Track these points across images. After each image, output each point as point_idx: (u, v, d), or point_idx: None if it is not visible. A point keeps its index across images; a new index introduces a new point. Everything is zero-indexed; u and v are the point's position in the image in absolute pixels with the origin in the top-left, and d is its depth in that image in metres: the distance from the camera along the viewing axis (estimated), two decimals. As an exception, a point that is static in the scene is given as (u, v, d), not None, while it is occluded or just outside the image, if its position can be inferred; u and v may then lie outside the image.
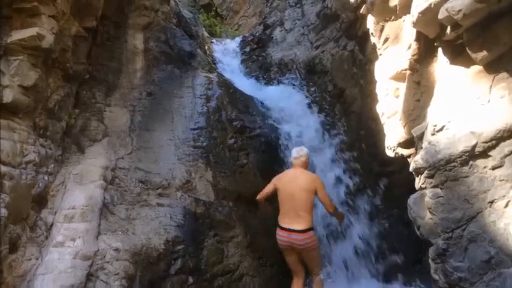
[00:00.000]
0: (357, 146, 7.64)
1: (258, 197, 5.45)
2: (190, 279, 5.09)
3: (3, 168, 3.92)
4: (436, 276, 3.15)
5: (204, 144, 6.79)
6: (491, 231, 2.85)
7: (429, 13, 3.11)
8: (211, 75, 8.33)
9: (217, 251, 5.77)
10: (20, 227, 4.11)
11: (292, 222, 4.93)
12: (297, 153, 5.40)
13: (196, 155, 6.53)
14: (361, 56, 7.74)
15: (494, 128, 2.87)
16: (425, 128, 3.34)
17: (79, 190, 4.72)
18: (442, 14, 2.93)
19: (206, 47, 10.70)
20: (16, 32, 4.43)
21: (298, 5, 10.88)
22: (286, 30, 10.83)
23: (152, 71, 7.55)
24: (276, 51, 10.68)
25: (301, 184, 5.02)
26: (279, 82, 9.55)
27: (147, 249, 4.78)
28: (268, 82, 9.77)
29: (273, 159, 7.33)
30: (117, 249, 4.42)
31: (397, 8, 4.03)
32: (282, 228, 5.01)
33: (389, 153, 4.20)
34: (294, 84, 9.15)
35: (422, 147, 3.28)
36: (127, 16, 7.56)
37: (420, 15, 3.19)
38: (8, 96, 4.27)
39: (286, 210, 5.04)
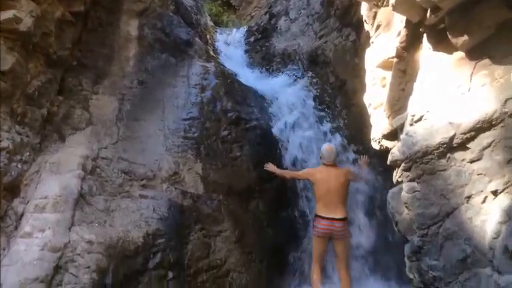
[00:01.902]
0: (358, 140, 7.44)
1: (288, 175, 6.23)
2: (170, 274, 4.99)
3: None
4: (411, 275, 3.01)
5: (196, 135, 6.68)
6: (467, 229, 2.69)
7: (408, -5, 2.95)
8: (208, 65, 8.21)
9: (203, 246, 5.67)
10: (-12, 216, 4.06)
11: (333, 212, 5.47)
12: (329, 155, 5.84)
13: (185, 146, 6.43)
14: (362, 45, 7.53)
15: (474, 119, 2.70)
16: (405, 119, 3.17)
17: (54, 179, 4.65)
18: (420, -5, 2.77)
19: (208, 36, 10.58)
20: (-7, 15, 4.36)
21: (304, -6, 10.70)
22: (291, 19, 10.67)
23: (146, 58, 7.45)
24: (280, 41, 10.53)
25: (339, 180, 5.63)
26: (281, 73, 9.37)
27: (124, 242, 4.69)
28: (271, 73, 9.59)
29: (268, 153, 7.17)
30: (90, 242, 4.34)
31: (388, -8, 3.86)
32: (324, 218, 5.49)
33: (375, 145, 4.05)
34: (296, 76, 8.96)
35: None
36: (121, 1, 7.48)
37: (399, -4, 3.03)
38: (-18, 81, 4.21)
39: (326, 202, 5.56)
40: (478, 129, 2.69)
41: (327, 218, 5.49)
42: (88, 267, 4.14)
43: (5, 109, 4.68)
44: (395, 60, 3.70)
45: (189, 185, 6.06)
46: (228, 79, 8.16)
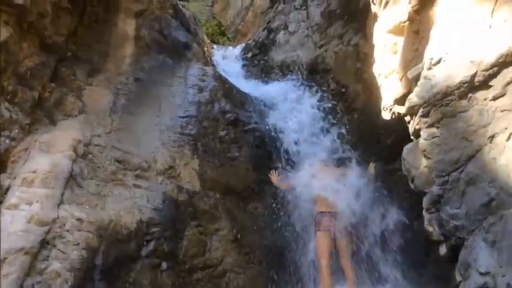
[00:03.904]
0: (360, 144, 7.37)
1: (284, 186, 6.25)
2: (164, 265, 4.81)
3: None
4: (430, 228, 2.87)
5: (193, 132, 6.58)
6: (491, 170, 2.57)
7: None
8: (206, 68, 8.21)
9: (199, 243, 5.50)
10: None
11: (334, 206, 5.66)
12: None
13: (182, 141, 6.32)
14: (365, 49, 7.58)
15: (496, 54, 2.63)
16: (422, 68, 3.11)
17: (44, 157, 4.50)
18: None
19: (205, 49, 10.64)
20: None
21: (304, 7, 10.83)
22: (290, 32, 10.75)
23: (142, 58, 7.43)
24: (279, 53, 10.58)
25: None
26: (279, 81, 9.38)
27: (116, 225, 4.52)
28: (268, 82, 9.60)
29: (267, 156, 7.08)
30: (80, 220, 4.16)
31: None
32: (326, 212, 5.63)
33: (386, 115, 3.96)
34: (294, 84, 8.95)
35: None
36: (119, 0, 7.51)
37: None
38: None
39: (325, 200, 5.74)
40: (501, 64, 2.63)
41: (329, 212, 5.60)
42: (77, 244, 3.97)
43: (-5, 84, 4.58)
44: (407, 23, 3.66)
45: (185, 180, 5.92)
46: (226, 84, 8.13)
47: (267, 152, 7.12)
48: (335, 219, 5.54)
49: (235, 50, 12.37)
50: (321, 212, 5.64)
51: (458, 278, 2.74)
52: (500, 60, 2.61)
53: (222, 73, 9.69)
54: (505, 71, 2.62)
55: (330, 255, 5.51)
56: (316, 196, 5.82)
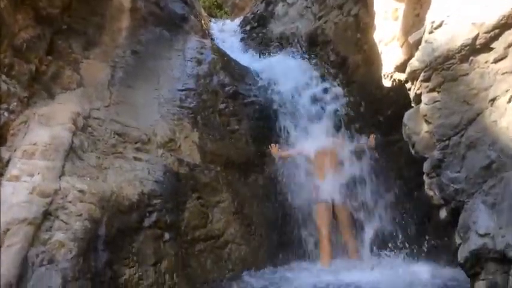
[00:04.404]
0: (360, 116, 7.40)
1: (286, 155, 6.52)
2: (167, 236, 4.88)
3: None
4: (430, 192, 2.91)
5: (192, 105, 6.60)
6: (492, 133, 2.61)
7: None
8: (204, 41, 8.18)
9: (200, 215, 5.57)
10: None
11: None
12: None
13: (182, 114, 6.34)
14: (365, 19, 7.53)
15: (498, 15, 2.63)
16: (423, 33, 3.11)
17: (43, 130, 4.52)
18: None
19: (203, 22, 10.55)
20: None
21: (303, -23, 10.71)
22: (288, 4, 10.65)
23: (139, 31, 7.38)
24: (277, 26, 10.51)
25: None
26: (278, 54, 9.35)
27: (118, 196, 4.57)
28: (267, 55, 9.57)
29: (268, 128, 7.13)
30: (81, 191, 4.20)
31: None
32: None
33: (386, 82, 3.98)
34: (293, 56, 8.93)
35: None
36: (113, -29, 7.42)
37: None
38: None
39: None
40: (502, 26, 2.63)
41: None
42: (80, 215, 4.00)
43: (-9, 57, 4.57)
44: (408, -12, 3.65)
45: (185, 153, 5.96)
46: (224, 56, 8.12)
47: (268, 124, 7.14)
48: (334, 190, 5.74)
49: (233, 24, 12.27)
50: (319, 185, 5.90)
51: (457, 241, 2.79)
52: (502, 21, 2.62)
53: (220, 46, 9.69)
54: (506, 33, 2.63)
55: (330, 225, 5.65)
56: (316, 164, 6.04)
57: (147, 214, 4.78)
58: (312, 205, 6.02)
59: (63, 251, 3.73)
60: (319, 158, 6.16)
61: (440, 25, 2.91)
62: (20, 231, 3.60)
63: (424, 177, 3.00)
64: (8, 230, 3.59)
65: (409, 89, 3.58)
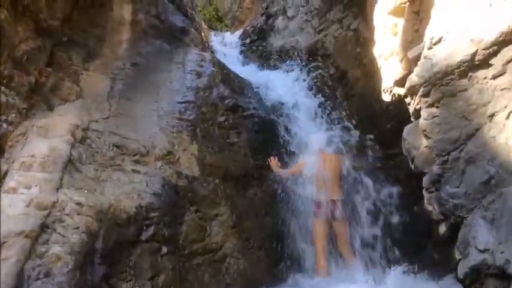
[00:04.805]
0: (360, 129, 7.42)
1: (284, 175, 6.45)
2: (165, 249, 4.86)
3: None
4: (430, 207, 2.93)
5: (191, 117, 6.62)
6: (491, 148, 2.63)
7: None
8: (204, 53, 8.23)
9: (199, 228, 5.56)
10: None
11: (331, 194, 5.94)
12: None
13: (181, 127, 6.35)
14: (365, 33, 7.59)
15: (496, 32, 2.67)
16: (422, 48, 3.14)
17: (42, 142, 4.54)
18: None
19: (203, 34, 10.63)
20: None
21: (303, -8, 10.80)
22: (288, 18, 10.76)
23: (139, 44, 7.43)
24: (277, 39, 10.60)
25: (332, 165, 6.20)
26: (277, 68, 9.41)
27: (116, 209, 4.57)
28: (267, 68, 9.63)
29: (268, 141, 7.13)
30: (79, 204, 4.21)
31: None
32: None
33: (386, 97, 4.01)
34: (293, 69, 8.99)
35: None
36: (114, -17, 7.49)
37: None
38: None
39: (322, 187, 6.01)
40: (500, 43, 2.67)
41: (332, 200, 5.84)
42: (77, 227, 4.00)
43: (-9, 68, 4.60)
44: (407, 4, 3.69)
45: (184, 166, 5.96)
46: (224, 69, 8.16)
47: (268, 137, 7.15)
48: (334, 207, 5.77)
49: (233, 36, 12.36)
50: (319, 202, 5.88)
51: (457, 256, 2.80)
52: (500, 38, 2.65)
53: (220, 59, 9.75)
54: (505, 49, 2.66)
55: (326, 240, 5.79)
56: (316, 183, 6.01)
57: (145, 227, 4.77)
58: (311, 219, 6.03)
59: (60, 265, 3.72)
60: (319, 170, 6.13)
61: (439, 41, 2.95)
62: (17, 244, 3.60)
63: (424, 192, 3.02)
64: (4, 242, 3.58)
65: (409, 104, 3.61)
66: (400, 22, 3.86)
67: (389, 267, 5.64)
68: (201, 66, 7.73)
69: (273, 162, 6.40)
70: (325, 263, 5.59)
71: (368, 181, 6.34)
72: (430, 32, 3.10)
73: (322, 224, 5.78)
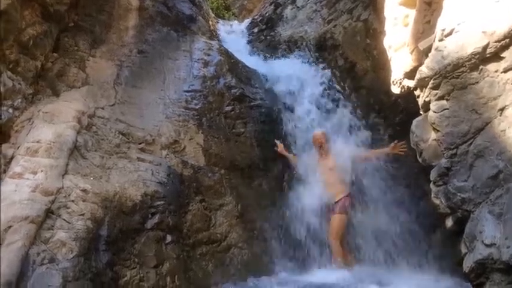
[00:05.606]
0: (369, 121, 7.43)
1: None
2: (169, 238, 4.90)
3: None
4: (437, 201, 2.94)
5: (197, 107, 6.65)
6: (500, 142, 2.64)
7: None
8: (211, 42, 8.23)
9: (203, 218, 5.60)
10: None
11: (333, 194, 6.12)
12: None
13: (187, 116, 6.39)
14: (375, 24, 7.57)
15: (509, 24, 2.67)
16: (433, 40, 3.15)
17: (47, 127, 4.57)
18: None
19: (210, 23, 10.61)
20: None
21: (312, -19, 10.75)
22: (297, 7, 10.72)
23: (146, 30, 7.45)
24: (286, 29, 10.55)
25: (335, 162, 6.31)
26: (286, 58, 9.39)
27: (121, 197, 4.61)
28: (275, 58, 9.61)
29: (273, 132, 7.15)
30: (84, 190, 4.25)
31: None
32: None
33: (395, 89, 4.01)
34: (302, 60, 8.97)
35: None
36: (121, -31, 7.49)
37: None
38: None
39: (326, 182, 6.24)
40: (513, 36, 2.66)
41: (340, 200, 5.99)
42: (82, 214, 4.05)
43: (-3, 52, 4.63)
44: (419, -5, 3.69)
45: (189, 155, 6.00)
46: (231, 58, 8.16)
47: (273, 128, 7.16)
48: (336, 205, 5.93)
49: (241, 26, 12.32)
50: (335, 202, 5.98)
51: (463, 250, 2.82)
52: (513, 31, 2.65)
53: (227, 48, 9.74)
54: (517, 42, 2.66)
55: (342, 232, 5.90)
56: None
57: (150, 215, 4.81)
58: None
59: (64, 251, 3.77)
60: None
61: (450, 33, 2.95)
62: (22, 229, 3.64)
63: (431, 185, 3.03)
64: (9, 227, 3.63)
65: (418, 96, 3.61)
66: (412, 13, 3.85)
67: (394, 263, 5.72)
68: (208, 54, 7.75)
69: (280, 146, 6.54)
70: (341, 253, 5.69)
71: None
72: (442, 24, 3.09)
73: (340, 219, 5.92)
